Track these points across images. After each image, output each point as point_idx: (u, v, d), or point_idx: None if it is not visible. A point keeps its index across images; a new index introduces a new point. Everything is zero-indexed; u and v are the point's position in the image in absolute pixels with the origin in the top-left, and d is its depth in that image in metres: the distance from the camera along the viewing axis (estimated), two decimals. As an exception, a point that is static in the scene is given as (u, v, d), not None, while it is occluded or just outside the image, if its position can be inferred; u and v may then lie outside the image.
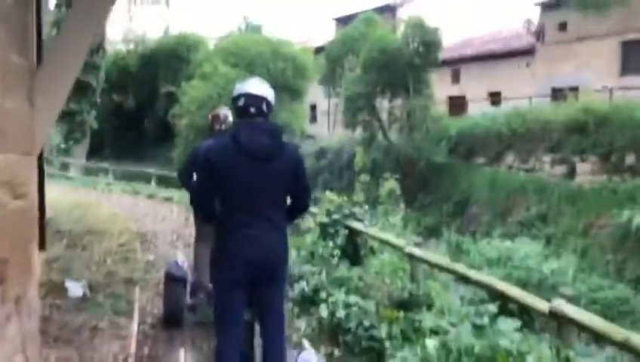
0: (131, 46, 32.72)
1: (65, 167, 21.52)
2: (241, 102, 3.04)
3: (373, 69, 20.07)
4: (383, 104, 21.05)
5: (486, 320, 4.59)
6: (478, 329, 4.39)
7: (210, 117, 4.95)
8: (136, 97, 32.57)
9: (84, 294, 6.02)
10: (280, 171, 2.95)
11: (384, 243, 6.23)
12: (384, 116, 21.58)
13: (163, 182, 19.07)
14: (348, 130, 23.00)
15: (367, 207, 7.19)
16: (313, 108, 33.37)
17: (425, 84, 20.36)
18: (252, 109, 3.03)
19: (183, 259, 5.60)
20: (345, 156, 23.23)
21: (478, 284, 5.16)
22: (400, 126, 20.50)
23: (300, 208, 3.22)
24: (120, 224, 10.90)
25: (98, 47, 22.41)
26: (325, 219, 6.91)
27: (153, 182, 18.37)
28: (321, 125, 34.19)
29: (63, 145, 21.97)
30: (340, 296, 5.21)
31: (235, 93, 3.10)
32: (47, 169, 20.03)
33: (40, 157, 7.24)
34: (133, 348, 4.59)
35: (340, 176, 22.01)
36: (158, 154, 29.77)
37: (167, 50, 30.91)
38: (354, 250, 6.64)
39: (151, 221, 11.59)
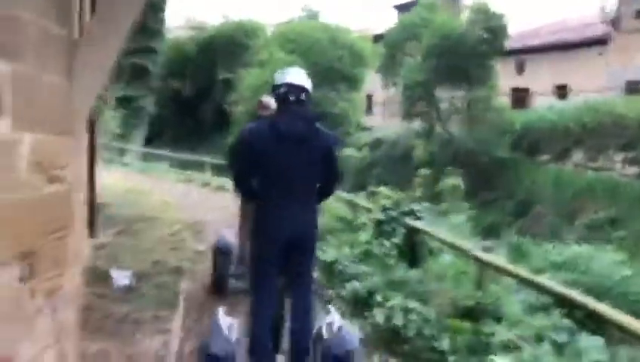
0: (191, 33, 32.92)
1: (122, 152, 21.86)
2: (281, 91, 3.31)
3: (434, 57, 19.21)
4: (442, 94, 20.16)
5: (564, 337, 4.05)
6: (557, 347, 3.86)
7: (258, 104, 5.45)
8: (194, 84, 32.81)
9: (130, 284, 5.83)
10: (313, 156, 3.24)
11: (446, 244, 5.71)
12: (443, 107, 20.70)
13: (217, 170, 19.05)
14: (404, 121, 22.27)
15: (427, 204, 6.66)
16: (369, 98, 32.67)
17: (488, 74, 19.32)
18: (291, 97, 3.28)
19: (230, 233, 5.93)
20: (400, 149, 22.56)
21: (550, 292, 4.59)
22: (460, 118, 19.59)
23: (327, 192, 3.58)
24: (172, 212, 10.81)
25: (156, 32, 22.61)
26: (381, 216, 6.44)
27: (207, 170, 18.32)
28: (377, 116, 33.53)
29: (120, 131, 22.29)
30: (397, 300, 4.76)
31: (277, 82, 3.39)
32: (105, 154, 20.32)
33: (92, 141, 7.14)
34: (175, 345, 4.32)
35: (394, 170, 21.34)
36: (215, 141, 29.86)
37: (225, 37, 30.94)
38: (412, 251, 6.15)
39: (203, 210, 11.44)
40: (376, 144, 24.60)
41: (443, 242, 5.74)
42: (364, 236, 6.68)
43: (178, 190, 15.45)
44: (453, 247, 5.57)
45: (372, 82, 26.57)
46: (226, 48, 30.48)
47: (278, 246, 3.26)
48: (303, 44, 23.43)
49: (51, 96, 2.86)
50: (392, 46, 22.31)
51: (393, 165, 21.57)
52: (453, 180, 13.96)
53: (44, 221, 2.83)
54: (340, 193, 10.30)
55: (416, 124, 21.84)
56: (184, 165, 20.64)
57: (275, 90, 3.39)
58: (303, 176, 3.27)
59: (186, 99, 32.86)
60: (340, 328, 3.29)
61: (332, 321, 3.37)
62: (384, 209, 6.43)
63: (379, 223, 6.42)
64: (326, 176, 3.39)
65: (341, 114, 23.43)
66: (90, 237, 7.54)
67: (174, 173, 18.76)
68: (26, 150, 2.63)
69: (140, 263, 6.65)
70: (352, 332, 3.35)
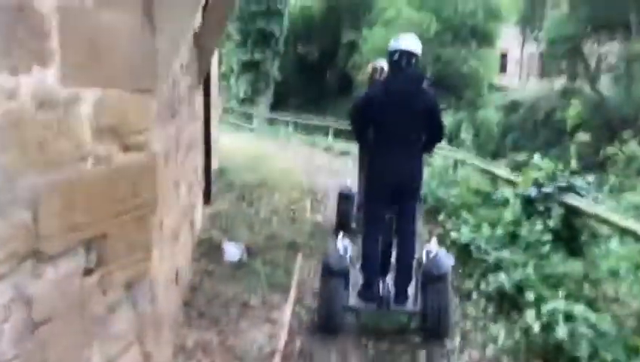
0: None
1: (248, 117, 22.01)
2: (395, 57, 3.83)
3: (584, 5, 16.76)
4: (593, 49, 17.64)
5: None
6: None
7: (370, 68, 5.93)
8: (319, 48, 32.37)
9: (241, 259, 5.35)
10: (419, 112, 3.80)
11: (620, 230, 4.48)
12: (593, 64, 18.17)
13: (340, 135, 18.54)
14: (543, 81, 19.98)
15: (591, 178, 5.37)
16: (503, 56, 30.09)
17: (654, 23, 16.51)
18: (403, 63, 3.81)
19: (352, 182, 6.69)
20: (541, 111, 20.36)
21: None
22: (615, 76, 17.02)
23: (433, 142, 4.12)
24: (292, 178, 10.35)
25: (282, -7, 22.22)
26: (532, 192, 5.31)
27: (330, 135, 17.76)
28: (512, 76, 30.85)
29: (246, 96, 22.45)
30: (556, 302, 3.73)
31: (391, 48, 3.88)
32: (231, 119, 20.69)
33: (207, 102, 6.71)
34: (282, 341, 3.71)
35: (533, 135, 19.34)
36: (339, 106, 29.34)
37: (350, -3, 29.90)
38: (571, 236, 4.99)
39: (324, 176, 10.87)
40: (513, 106, 22.49)
41: (615, 227, 4.51)
42: (508, 214, 5.60)
43: (301, 155, 15.10)
44: (630, 234, 4.34)
45: (506, 39, 24.26)
46: (350, 8, 29.46)
47: (386, 189, 3.94)
48: (431, -2, 21.83)
49: (124, 41, 2.24)
50: (534, -4, 19.97)
51: (533, 130, 19.55)
52: (630, 148, 11.18)
53: (117, 198, 2.25)
54: (474, 160, 9.16)
55: (558, 84, 19.48)
56: (309, 130, 20.35)
57: (390, 55, 3.91)
58: (410, 129, 3.85)
59: (311, 63, 32.55)
60: (436, 254, 3.93)
61: (430, 249, 4.01)
62: (536, 183, 5.28)
63: (528, 200, 5.30)
64: (430, 129, 3.93)
65: (471, 73, 21.68)
66: (206, 204, 7.24)
67: (299, 137, 18.45)
68: (88, 110, 2.03)
69: (255, 235, 6.18)
70: (446, 258, 3.95)
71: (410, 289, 4.01)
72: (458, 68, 21.11)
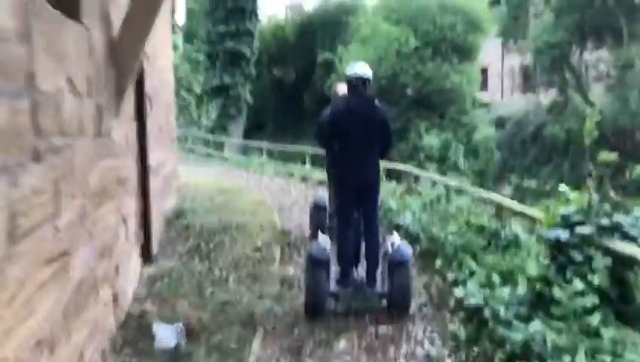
0: (290, 15, 31.25)
1: (220, 146, 20.61)
2: (353, 81, 4.79)
3: (570, 10, 15.77)
4: (582, 57, 16.64)
5: None
6: None
7: (333, 90, 6.47)
8: (295, 70, 31.26)
9: (178, 346, 3.93)
10: (373, 126, 4.74)
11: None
12: (583, 72, 17.16)
13: (318, 162, 17.38)
14: (528, 95, 18.96)
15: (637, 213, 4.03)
16: (484, 71, 29.21)
17: (646, 27, 15.55)
18: (359, 85, 4.78)
19: (323, 194, 7.35)
20: (530, 127, 19.29)
21: None
22: (607, 85, 15.99)
23: (386, 148, 4.95)
24: (263, 217, 8.94)
25: (251, 13, 21.02)
26: (561, 234, 3.98)
27: (307, 163, 16.47)
28: (493, 92, 29.94)
29: (217, 123, 21.09)
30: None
31: (349, 74, 4.85)
32: (201, 148, 19.29)
33: (141, 128, 5.31)
34: None
35: (522, 153, 18.26)
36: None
37: (325, 16, 28.94)
38: (624, 298, 3.66)
39: (299, 211, 9.52)
40: (498, 123, 21.43)
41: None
42: (532, 265, 4.26)
43: (275, 186, 13.73)
44: None
45: (486, 53, 23.31)
46: (325, 28, 28.52)
47: (351, 189, 4.88)
48: (408, 12, 20.79)
49: None
50: (515, 5, 19.00)
51: (521, 147, 18.43)
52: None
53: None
54: (470, 187, 7.88)
55: (546, 97, 18.45)
56: (285, 157, 19.09)
57: (348, 79, 4.84)
58: (367, 140, 4.76)
59: (288, 86, 31.41)
60: (399, 245, 4.74)
61: (394, 241, 4.83)
62: (566, 222, 3.96)
63: (557, 245, 3.98)
64: (384, 138, 4.83)
65: (454, 89, 20.60)
66: (146, 262, 5.82)
67: (274, 166, 17.11)
68: None
69: (201, 307, 4.76)
70: (407, 248, 4.76)
71: (379, 275, 4.82)
72: (440, 84, 20.03)
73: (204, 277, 5.61)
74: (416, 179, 10.45)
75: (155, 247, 6.33)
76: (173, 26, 26.68)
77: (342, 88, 5.97)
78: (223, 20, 20.47)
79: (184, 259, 6.31)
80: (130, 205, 5.11)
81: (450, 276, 5.25)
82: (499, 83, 30.99)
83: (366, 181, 4.84)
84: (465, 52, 21.24)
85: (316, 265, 4.56)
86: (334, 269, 4.93)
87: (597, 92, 16.82)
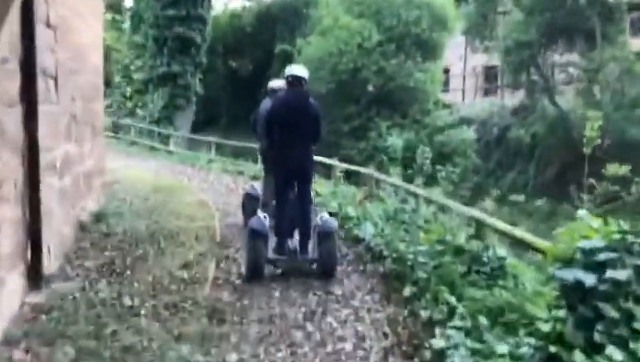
0: (247, 3, 29.71)
1: (166, 139, 18.97)
2: (290, 80, 5.60)
3: (541, 9, 15.00)
4: (552, 59, 15.93)
5: None
6: None
7: (269, 86, 7.01)
8: (252, 61, 29.77)
9: None
10: (307, 119, 5.49)
11: None
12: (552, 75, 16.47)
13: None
14: (490, 97, 18.24)
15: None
16: (445, 72, 28.56)
17: (618, 30, 14.91)
18: (296, 83, 5.59)
19: (257, 185, 7.72)
20: (494, 130, 18.57)
21: None
22: (577, 88, 15.33)
23: (317, 137, 5.67)
24: (201, 220, 7.69)
25: (202, -2, 19.50)
26: (586, 278, 2.89)
27: (260, 160, 15.17)
28: (454, 93, 29.34)
29: (163, 114, 19.42)
30: None
31: (287, 73, 5.65)
32: (145, 140, 17.78)
33: (31, 127, 3.99)
34: None
35: (486, 156, 17.52)
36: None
37: (284, 7, 27.58)
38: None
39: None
40: (461, 125, 20.63)
41: None
42: (538, 312, 3.19)
43: (222, 184, 12.45)
44: None
45: (449, 53, 22.58)
46: (285, 19, 27.19)
47: (288, 172, 5.65)
48: (372, 5, 19.74)
49: None
50: (483, 2, 18.22)
51: (485, 151, 17.66)
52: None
53: None
54: (443, 199, 6.83)
55: (512, 100, 17.75)
56: (237, 153, 17.75)
57: (286, 78, 5.65)
58: (303, 129, 5.51)
59: (245, 78, 29.86)
60: (326, 219, 5.58)
61: (322, 216, 5.69)
62: (591, 260, 2.89)
63: (577, 291, 2.90)
64: (316, 129, 5.58)
65: (417, 87, 19.72)
66: (31, 287, 4.46)
67: (223, 162, 15.74)
68: None
69: (92, 357, 3.48)
70: (333, 221, 5.66)
71: (310, 244, 5.64)
72: (403, 82, 19.10)
73: (109, 309, 4.30)
74: (378, 183, 9.38)
75: (52, 265, 4.96)
76: (120, 7, 24.98)
77: (276, 84, 6.87)
78: (173, 4, 18.83)
79: (90, 279, 4.97)
80: (2, 213, 3.79)
81: (424, 313, 4.14)
82: (460, 84, 30.45)
83: (302, 164, 5.59)
84: (429, 50, 20.39)
85: (257, 236, 5.30)
86: (272, 240, 5.62)
87: (567, 96, 16.17)
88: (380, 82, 19.31)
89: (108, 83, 23.91)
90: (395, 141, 17.49)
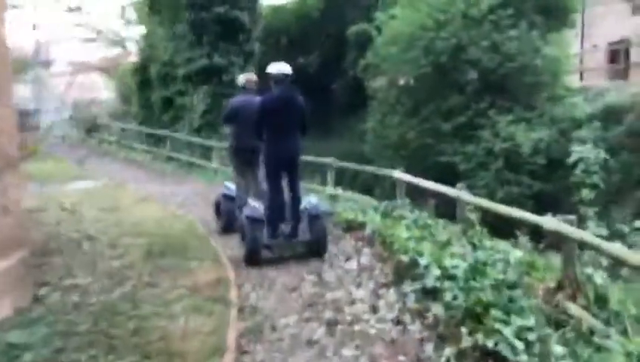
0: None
1: (207, 152, 14.25)
2: (279, 77, 5.83)
3: None
4: None
5: None
6: None
7: (245, 79, 7.39)
8: (322, 54, 25.20)
9: None
10: (295, 111, 5.83)
11: None
12: None
13: (346, 180, 11.45)
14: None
15: None
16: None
17: None
18: (284, 80, 5.83)
19: (232, 185, 7.47)
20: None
21: None
22: None
23: (303, 132, 5.97)
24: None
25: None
26: None
27: (330, 182, 10.43)
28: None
29: (204, 120, 14.94)
30: None
31: (273, 71, 5.86)
32: (183, 155, 13.79)
33: None
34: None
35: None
36: (348, 126, 22.33)
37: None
38: None
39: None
40: (606, 116, 14.89)
41: None
42: None
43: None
44: None
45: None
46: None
47: (280, 161, 5.86)
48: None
49: None
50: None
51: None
52: None
53: None
54: None
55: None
56: (305, 171, 13.28)
57: (275, 76, 5.85)
58: (292, 123, 5.83)
59: (314, 75, 25.33)
60: (316, 203, 6.04)
61: (311, 200, 6.07)
62: None
63: None
64: (303, 123, 5.90)
65: (545, 67, 14.29)
66: None
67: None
68: None
69: None
70: (322, 204, 6.26)
71: (301, 227, 5.91)
72: (526, 61, 13.75)
73: None
74: (581, 247, 4.32)
75: None
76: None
77: (246, 78, 7.46)
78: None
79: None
80: None
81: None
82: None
83: (293, 154, 5.89)
84: (559, 14, 14.90)
85: (254, 222, 5.73)
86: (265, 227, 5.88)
87: None
88: (492, 63, 14.05)
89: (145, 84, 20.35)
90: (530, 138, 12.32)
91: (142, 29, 21.83)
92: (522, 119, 13.84)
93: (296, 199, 5.93)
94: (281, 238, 5.90)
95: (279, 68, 5.88)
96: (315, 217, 5.84)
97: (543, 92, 14.50)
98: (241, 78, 7.43)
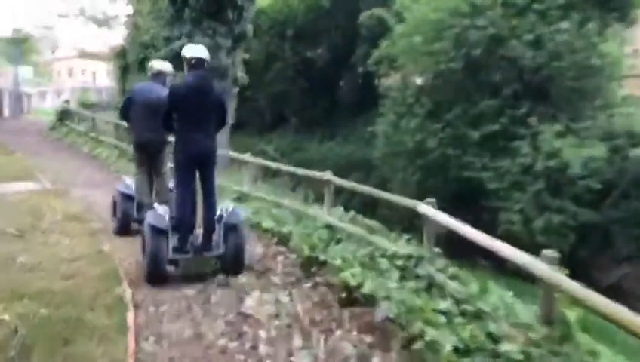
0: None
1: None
2: (193, 61, 5.11)
3: None
4: None
5: None
6: None
7: (159, 66, 6.68)
8: (330, 47, 22.84)
9: None
10: (211, 102, 5.13)
11: None
12: None
13: (343, 199, 9.01)
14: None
15: None
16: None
17: None
18: (198, 65, 5.13)
19: (131, 181, 6.77)
20: None
21: None
22: None
23: (220, 126, 5.39)
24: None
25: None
26: None
27: (327, 201, 7.80)
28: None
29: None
30: None
31: (189, 55, 5.13)
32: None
33: None
34: None
35: None
36: (355, 128, 19.99)
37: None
38: None
39: None
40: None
41: None
42: None
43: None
44: None
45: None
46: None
47: (191, 160, 5.09)
48: None
49: None
50: None
51: None
52: None
53: None
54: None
55: None
56: (293, 180, 10.93)
57: (188, 59, 5.12)
58: (206, 116, 5.10)
59: (321, 70, 22.93)
60: (233, 209, 5.32)
61: (227, 207, 5.36)
62: None
63: None
64: (220, 116, 5.29)
65: (602, 68, 11.73)
66: None
67: (271, 201, 8.61)
68: None
69: None
70: (240, 211, 5.42)
71: (215, 238, 5.17)
72: (579, 59, 11.18)
73: None
74: None
75: None
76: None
77: (158, 65, 6.78)
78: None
79: None
80: None
81: None
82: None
83: (206, 151, 5.13)
84: (618, 6, 12.33)
85: (157, 234, 4.90)
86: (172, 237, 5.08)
87: None
88: (535, 61, 11.48)
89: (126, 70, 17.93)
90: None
91: (129, 9, 19.57)
92: (570, 131, 11.25)
93: (209, 204, 5.20)
94: (190, 252, 5.12)
95: (194, 51, 5.21)
96: (232, 227, 5.18)
97: (597, 99, 11.91)
98: (155, 64, 6.74)
